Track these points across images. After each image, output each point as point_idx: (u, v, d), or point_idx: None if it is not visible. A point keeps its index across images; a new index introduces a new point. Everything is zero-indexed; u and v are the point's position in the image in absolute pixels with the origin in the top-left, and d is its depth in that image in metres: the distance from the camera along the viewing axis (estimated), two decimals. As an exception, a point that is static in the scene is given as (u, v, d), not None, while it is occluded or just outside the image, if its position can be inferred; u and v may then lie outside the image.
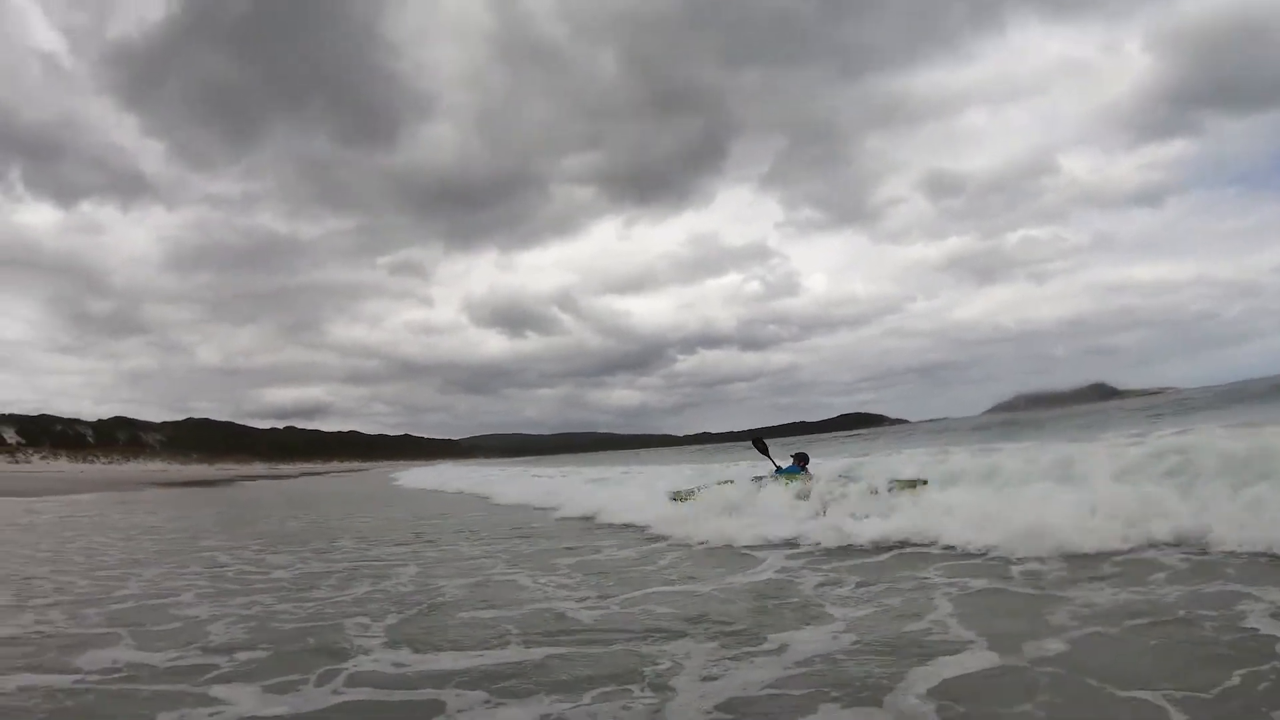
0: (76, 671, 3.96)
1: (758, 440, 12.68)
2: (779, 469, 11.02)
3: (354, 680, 3.69)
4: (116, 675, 3.87)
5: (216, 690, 3.61)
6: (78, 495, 30.43)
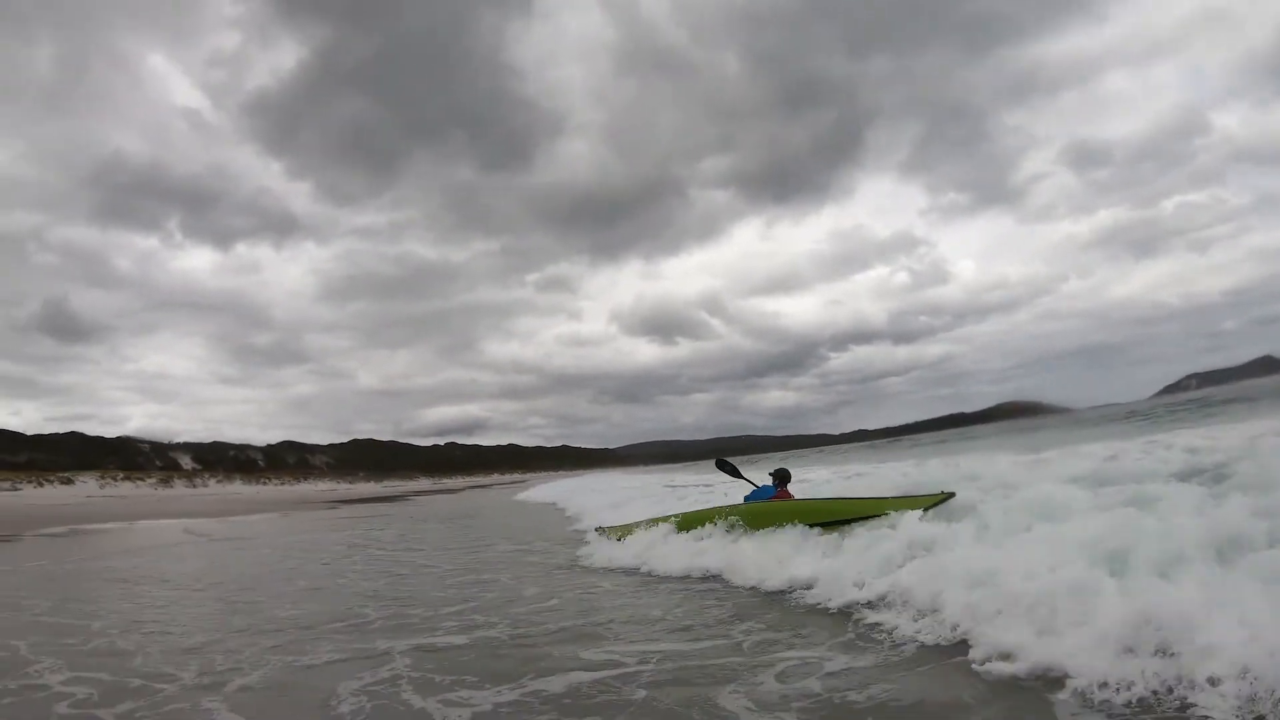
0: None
1: (722, 462, 11.98)
2: (752, 492, 10.01)
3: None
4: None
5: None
6: (274, 512, 33.64)
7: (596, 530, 11.75)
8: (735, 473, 11.44)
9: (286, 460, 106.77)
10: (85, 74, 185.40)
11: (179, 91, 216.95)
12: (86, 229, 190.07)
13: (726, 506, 9.67)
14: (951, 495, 7.81)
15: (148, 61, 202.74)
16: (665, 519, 10.30)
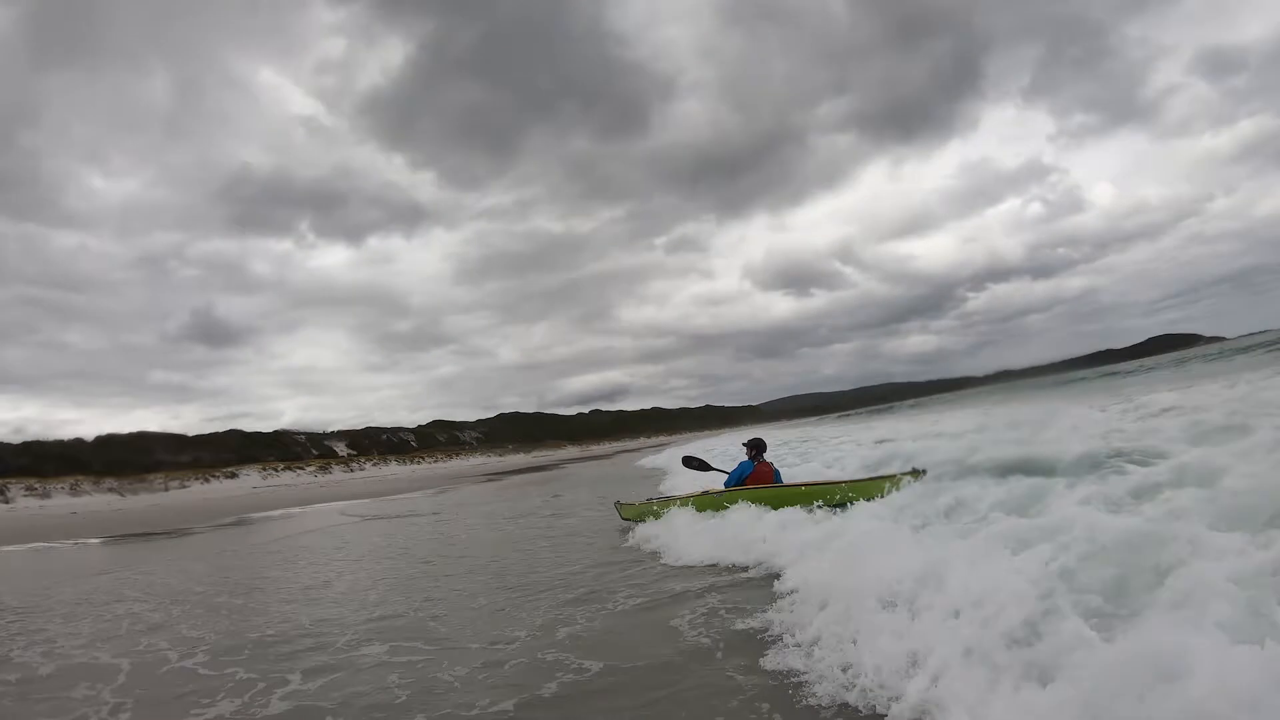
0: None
1: (689, 459, 12.92)
2: (732, 471, 10.44)
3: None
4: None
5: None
6: (439, 489, 35.85)
7: (615, 505, 12.06)
8: (704, 466, 12.24)
9: (437, 439, 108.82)
10: (202, 98, 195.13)
11: (293, 101, 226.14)
12: (223, 241, 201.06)
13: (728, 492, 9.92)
14: (922, 473, 8.53)
15: (259, 77, 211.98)
16: (685, 499, 10.48)
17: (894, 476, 8.52)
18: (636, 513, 11.15)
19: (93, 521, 33.80)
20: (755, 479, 9.99)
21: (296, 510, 30.65)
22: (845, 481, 9.04)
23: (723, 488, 10.12)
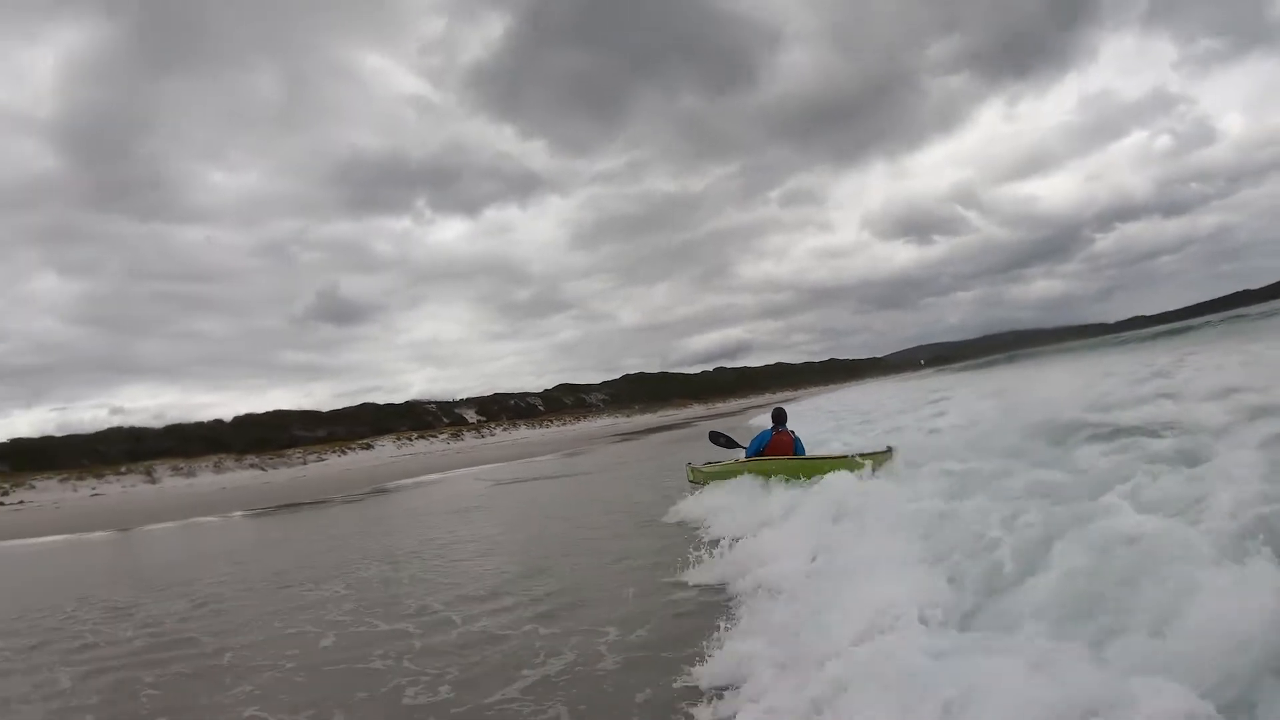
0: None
1: (714, 435, 13.08)
2: (752, 440, 11.11)
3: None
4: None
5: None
6: (575, 450, 37.25)
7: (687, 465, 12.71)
8: (731, 443, 12.32)
9: (564, 402, 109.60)
10: (310, 88, 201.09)
11: (400, 83, 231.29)
12: (343, 223, 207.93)
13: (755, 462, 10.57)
14: (887, 453, 9.33)
15: (365, 63, 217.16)
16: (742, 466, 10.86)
17: (861, 457, 9.17)
18: (704, 476, 11.47)
19: (254, 495, 34.95)
20: (773, 448, 10.54)
21: (453, 473, 31.15)
22: (822, 457, 9.96)
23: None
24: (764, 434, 10.65)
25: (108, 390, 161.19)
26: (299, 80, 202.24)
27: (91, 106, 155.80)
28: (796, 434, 10.73)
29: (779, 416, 10.83)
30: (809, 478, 9.11)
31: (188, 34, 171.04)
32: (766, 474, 9.83)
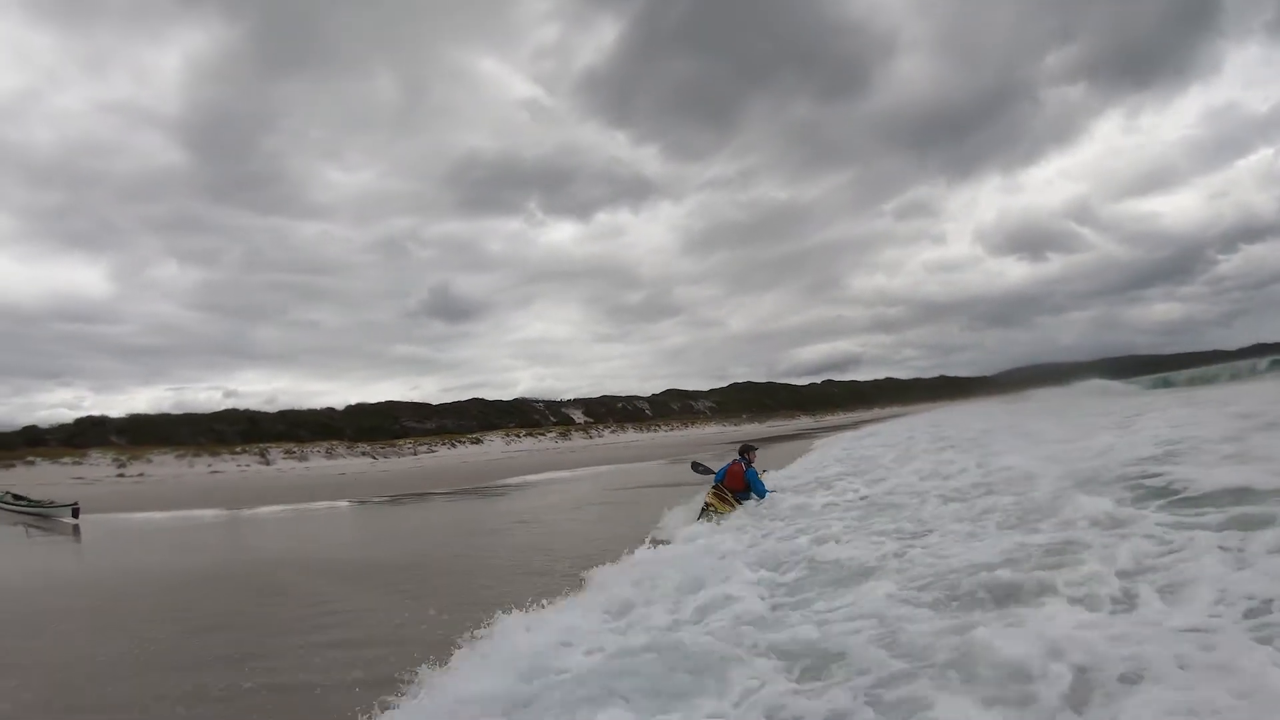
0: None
1: (695, 464, 15.08)
2: (716, 476, 12.54)
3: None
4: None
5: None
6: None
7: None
8: (707, 470, 14.11)
9: (671, 407, 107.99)
10: (427, 91, 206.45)
11: (515, 87, 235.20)
12: (456, 222, 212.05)
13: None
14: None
15: (480, 68, 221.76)
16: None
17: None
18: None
19: (382, 481, 35.16)
20: (729, 476, 12.15)
21: (579, 471, 31.34)
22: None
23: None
24: (725, 465, 12.58)
25: (223, 374, 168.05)
26: (415, 83, 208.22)
27: (214, 105, 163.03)
28: (752, 466, 12.41)
29: (744, 450, 12.86)
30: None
31: (307, 38, 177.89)
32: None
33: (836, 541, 7.32)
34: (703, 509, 11.54)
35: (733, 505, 11.53)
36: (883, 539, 7.03)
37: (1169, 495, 6.24)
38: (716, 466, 13.36)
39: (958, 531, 6.64)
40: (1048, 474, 8.12)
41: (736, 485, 12.07)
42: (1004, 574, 4.96)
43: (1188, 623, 3.73)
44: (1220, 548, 4.72)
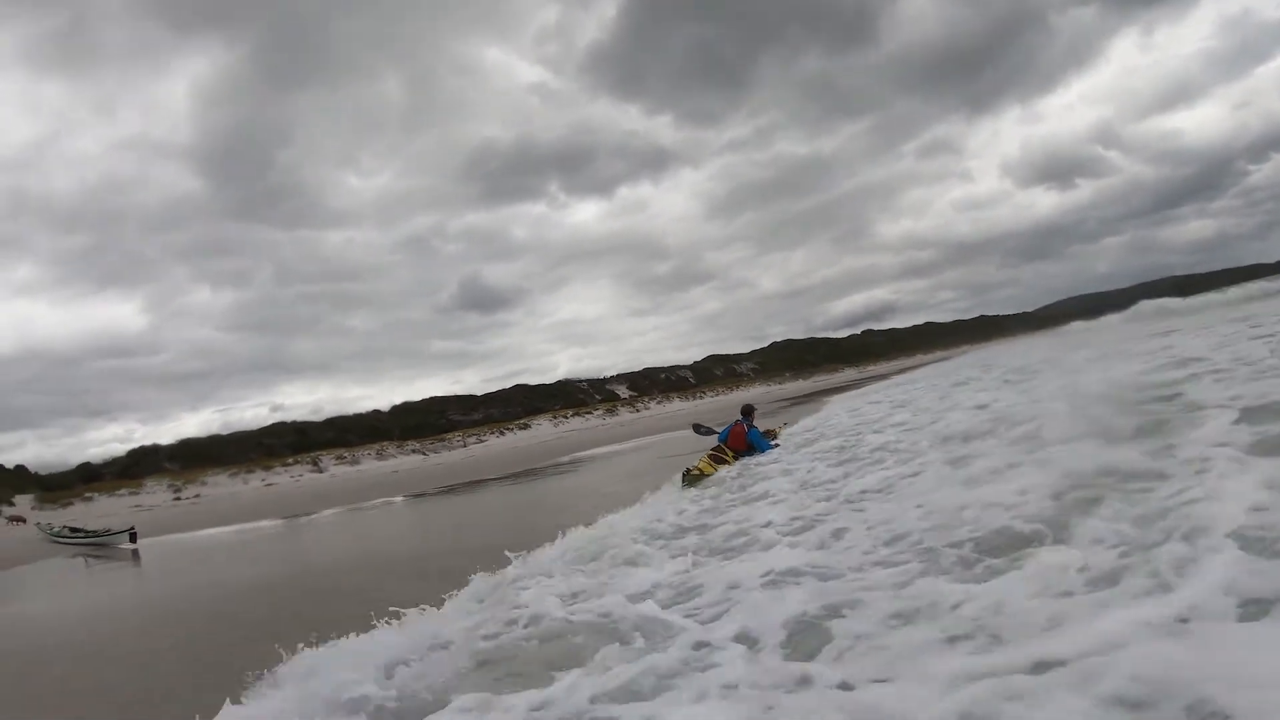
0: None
1: (697, 426, 15.63)
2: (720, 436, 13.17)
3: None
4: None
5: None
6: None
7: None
8: (709, 431, 14.66)
9: (714, 373, 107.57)
10: (435, 87, 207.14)
11: (522, 73, 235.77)
12: (479, 213, 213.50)
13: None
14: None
15: (485, 58, 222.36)
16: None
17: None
18: (695, 479, 11.43)
19: (436, 474, 34.42)
20: (732, 437, 12.79)
21: (619, 446, 30.60)
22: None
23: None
24: (728, 425, 13.17)
25: (266, 390, 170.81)
26: (422, 81, 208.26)
27: (226, 127, 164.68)
28: (754, 426, 13.11)
29: (746, 411, 13.58)
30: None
31: (309, 49, 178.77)
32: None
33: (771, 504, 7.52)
34: (684, 475, 11.56)
35: (730, 463, 12.10)
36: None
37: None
38: (739, 428, 13.58)
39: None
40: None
41: (739, 445, 12.84)
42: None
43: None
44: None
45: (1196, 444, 5.30)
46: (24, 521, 36.95)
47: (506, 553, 6.82)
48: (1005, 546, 4.33)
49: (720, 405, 68.71)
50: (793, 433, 15.85)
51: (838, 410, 20.51)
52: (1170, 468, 4.93)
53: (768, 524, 6.83)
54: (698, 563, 5.86)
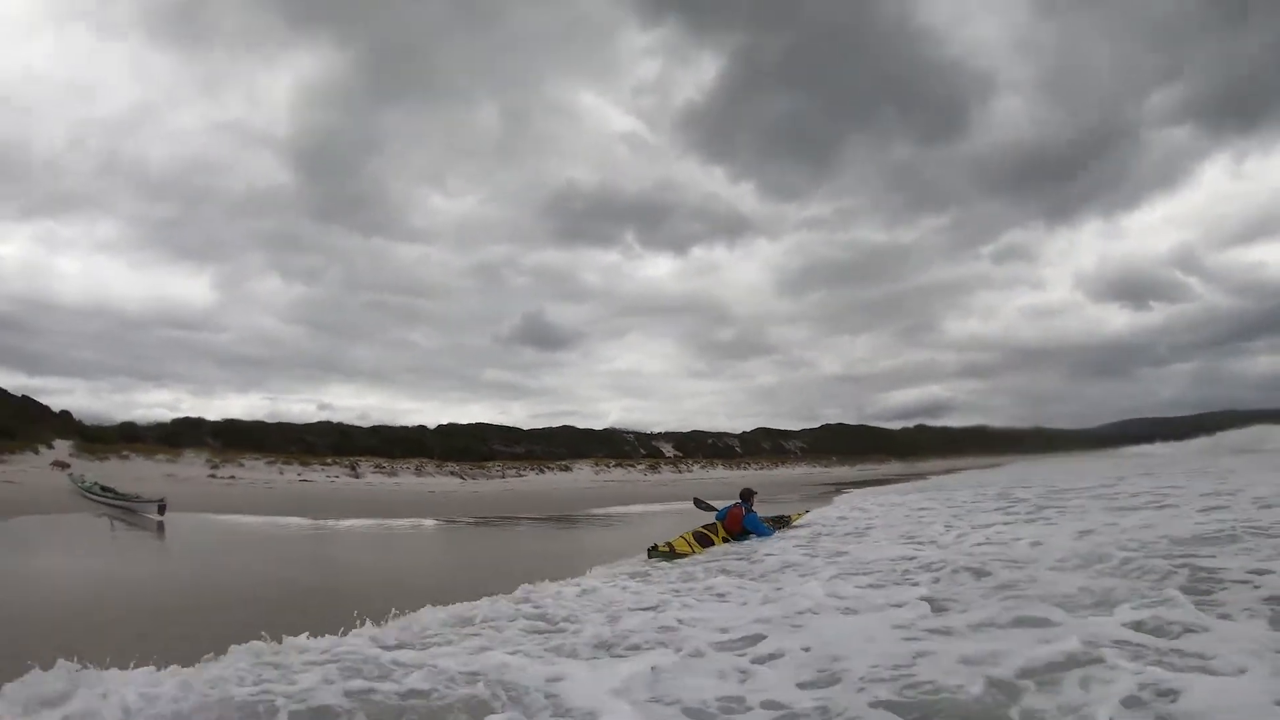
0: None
1: (698, 501, 15.84)
2: (717, 515, 13.28)
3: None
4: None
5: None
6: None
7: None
8: (709, 507, 14.64)
9: (762, 446, 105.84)
10: (527, 123, 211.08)
11: (614, 121, 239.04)
12: (553, 252, 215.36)
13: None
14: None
15: (580, 101, 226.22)
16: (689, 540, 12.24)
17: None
18: (664, 555, 11.46)
19: (471, 501, 34.50)
20: (728, 519, 13.00)
21: (659, 507, 29.34)
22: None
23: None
24: (727, 506, 13.31)
25: (317, 387, 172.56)
26: (517, 115, 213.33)
27: (322, 128, 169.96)
28: (752, 511, 13.19)
29: (745, 495, 13.48)
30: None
31: (414, 66, 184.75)
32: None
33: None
34: (652, 548, 11.44)
35: (717, 544, 12.29)
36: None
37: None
38: (746, 506, 13.87)
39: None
40: None
41: (735, 528, 12.98)
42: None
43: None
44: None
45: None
46: (69, 467, 37.26)
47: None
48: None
49: (761, 480, 67.11)
50: (808, 520, 15.91)
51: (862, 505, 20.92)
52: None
53: (680, 625, 6.54)
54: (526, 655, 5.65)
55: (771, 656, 5.44)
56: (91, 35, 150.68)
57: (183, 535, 18.25)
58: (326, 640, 5.93)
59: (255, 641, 5.65)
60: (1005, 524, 13.08)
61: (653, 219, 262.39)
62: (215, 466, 50.58)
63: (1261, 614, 5.21)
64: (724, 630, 6.29)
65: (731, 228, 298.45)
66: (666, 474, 74.39)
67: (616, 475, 68.11)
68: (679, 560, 10.88)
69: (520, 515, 24.41)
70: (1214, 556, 7.37)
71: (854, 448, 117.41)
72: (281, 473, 51.59)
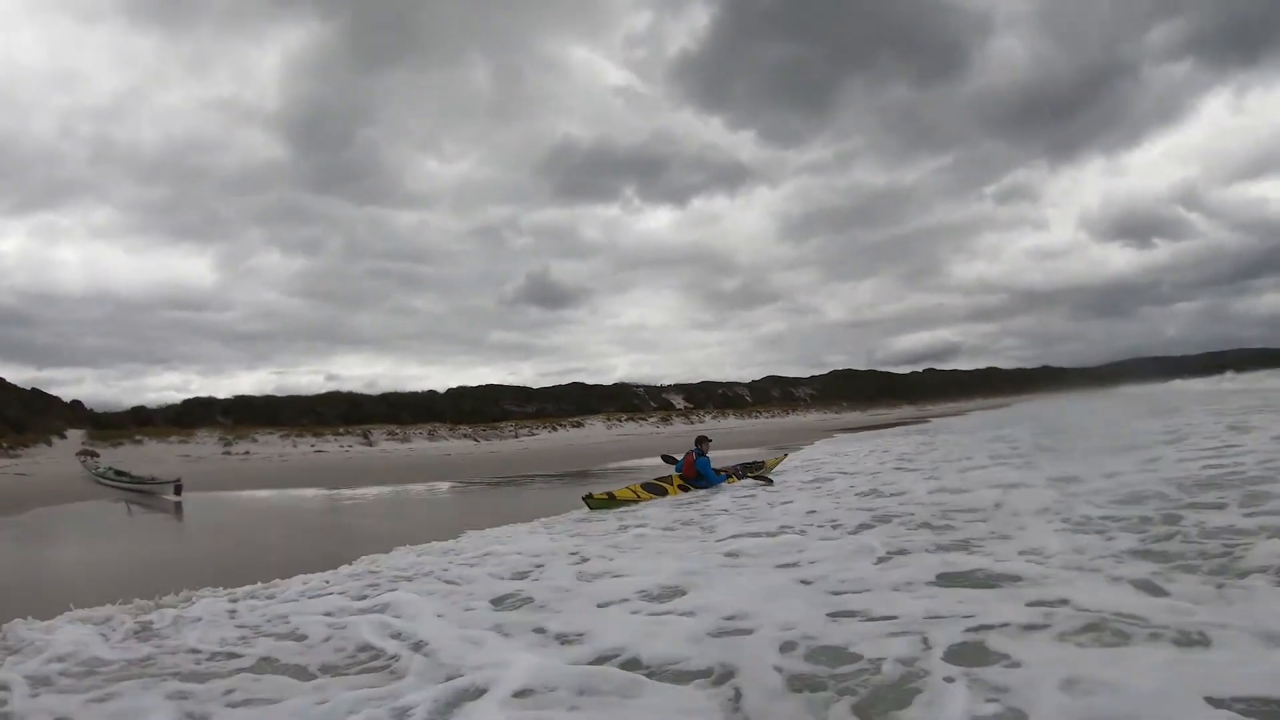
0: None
1: (665, 456, 15.70)
2: (676, 466, 13.86)
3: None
4: None
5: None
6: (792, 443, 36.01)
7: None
8: (671, 460, 14.86)
9: (771, 394, 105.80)
10: (521, 80, 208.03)
11: (608, 74, 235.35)
12: (553, 210, 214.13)
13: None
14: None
15: (573, 56, 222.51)
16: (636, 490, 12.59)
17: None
18: (601, 503, 11.79)
19: (487, 462, 34.24)
20: (684, 467, 13.56)
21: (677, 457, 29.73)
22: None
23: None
24: (685, 456, 13.79)
25: (324, 358, 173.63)
26: (510, 73, 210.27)
27: (313, 99, 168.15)
28: (704, 455, 13.51)
29: (699, 440, 13.93)
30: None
31: (401, 31, 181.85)
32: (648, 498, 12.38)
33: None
34: (587, 497, 11.85)
35: (671, 493, 12.73)
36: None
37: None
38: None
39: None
40: None
41: (690, 473, 13.43)
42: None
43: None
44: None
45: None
46: (97, 455, 37.15)
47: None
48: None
49: (773, 427, 67.85)
50: (782, 469, 16.23)
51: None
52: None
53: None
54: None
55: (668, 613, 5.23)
56: (72, 23, 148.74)
57: (200, 513, 18.15)
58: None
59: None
60: (981, 469, 12.62)
61: (651, 171, 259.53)
62: (229, 444, 50.88)
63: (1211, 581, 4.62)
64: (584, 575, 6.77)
65: (731, 176, 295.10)
66: (678, 425, 74.71)
67: (629, 429, 68.31)
68: (619, 509, 11.31)
69: (540, 472, 24.36)
70: (1223, 506, 6.85)
71: (863, 393, 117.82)
72: (295, 445, 51.91)
